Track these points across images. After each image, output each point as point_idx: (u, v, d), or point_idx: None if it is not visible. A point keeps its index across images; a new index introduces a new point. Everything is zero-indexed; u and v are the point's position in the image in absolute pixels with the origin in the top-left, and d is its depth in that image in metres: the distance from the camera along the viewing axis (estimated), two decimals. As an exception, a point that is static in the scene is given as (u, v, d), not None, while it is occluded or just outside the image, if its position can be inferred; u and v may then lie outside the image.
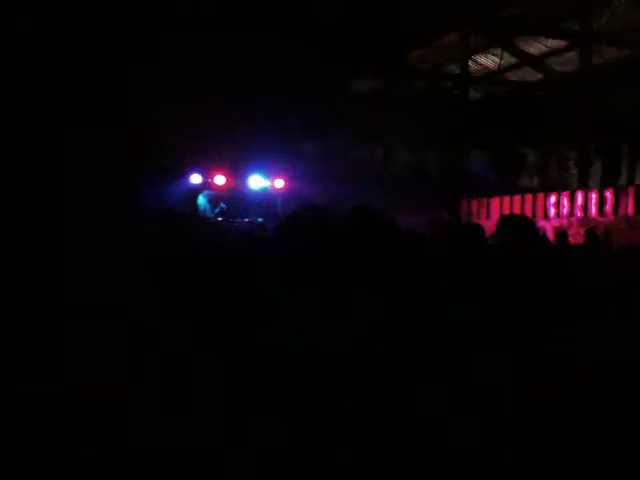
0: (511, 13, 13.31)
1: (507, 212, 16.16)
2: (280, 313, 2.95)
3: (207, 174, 15.69)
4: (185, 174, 15.39)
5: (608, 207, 14.46)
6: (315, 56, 11.63)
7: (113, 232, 3.77)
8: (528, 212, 15.90)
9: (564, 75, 14.86)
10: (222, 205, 15.57)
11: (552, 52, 15.16)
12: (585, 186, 15.12)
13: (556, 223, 15.22)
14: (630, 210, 14.00)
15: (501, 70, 15.57)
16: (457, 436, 2.69)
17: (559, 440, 2.59)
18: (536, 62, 14.95)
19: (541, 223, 15.32)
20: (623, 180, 15.40)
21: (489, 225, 9.68)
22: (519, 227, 3.85)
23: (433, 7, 11.15)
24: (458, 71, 15.56)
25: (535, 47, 14.96)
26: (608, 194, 14.48)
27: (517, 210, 16.14)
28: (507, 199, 16.61)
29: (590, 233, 10.48)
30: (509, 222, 3.95)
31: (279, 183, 16.21)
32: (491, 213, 16.99)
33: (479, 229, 5.57)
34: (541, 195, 15.99)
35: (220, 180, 15.80)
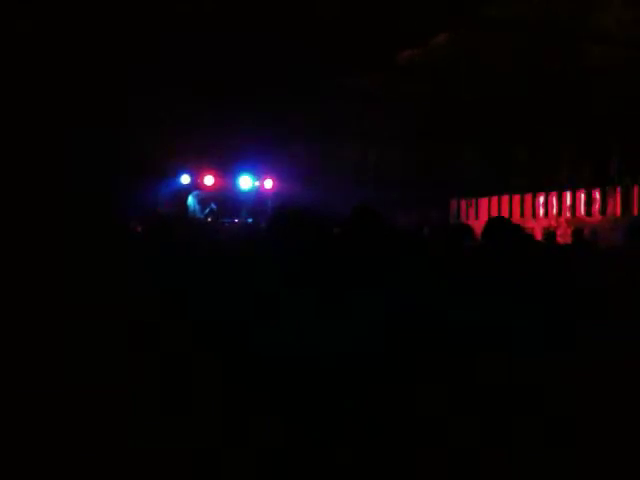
0: (501, 12, 13.36)
1: (496, 212, 16.24)
2: (279, 313, 2.95)
3: (196, 175, 15.65)
4: (174, 174, 15.35)
5: (596, 207, 14.56)
6: (309, 55, 11.63)
7: (107, 233, 3.77)
8: (516, 212, 15.97)
9: (554, 72, 14.93)
10: (212, 206, 15.54)
11: (543, 49, 15.22)
12: (574, 186, 15.20)
13: (545, 223, 15.29)
14: (617, 210, 14.10)
15: (492, 67, 15.60)
16: (457, 436, 2.70)
17: (559, 440, 2.61)
18: (526, 59, 15.01)
19: (530, 223, 15.40)
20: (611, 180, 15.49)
21: (478, 225, 9.71)
22: (504, 229, 3.89)
23: (429, 6, 11.19)
24: (450, 69, 15.58)
25: (525, 43, 15.00)
26: (596, 194, 14.57)
27: (505, 210, 16.21)
28: (495, 199, 16.68)
29: (577, 233, 10.56)
30: (495, 224, 4.00)
31: (268, 183, 16.20)
32: (480, 213, 17.06)
33: (468, 229, 5.60)
34: (529, 195, 16.06)
35: (209, 180, 15.76)
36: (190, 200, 15.72)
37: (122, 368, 2.96)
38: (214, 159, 15.64)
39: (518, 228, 4.04)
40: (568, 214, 15.11)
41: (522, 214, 15.81)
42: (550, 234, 10.89)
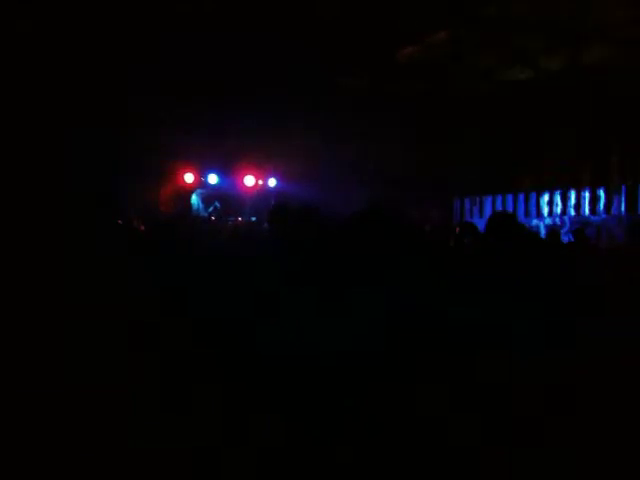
0: (502, 10, 13.32)
1: (500, 211, 16.19)
2: (280, 311, 2.95)
3: (200, 173, 15.66)
4: (178, 173, 15.36)
5: (600, 206, 14.52)
6: (309, 55, 11.62)
7: (109, 232, 3.76)
8: (521, 211, 15.93)
9: (556, 71, 14.88)
10: (216, 204, 15.54)
11: (546, 50, 15.19)
12: (578, 184, 15.16)
13: (549, 222, 15.25)
14: (623, 209, 14.05)
15: (492, 66, 15.56)
16: (457, 435, 2.69)
17: (559, 439, 2.60)
18: (528, 58, 14.96)
19: (534, 222, 15.37)
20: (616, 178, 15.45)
21: (482, 224, 9.67)
22: (506, 225, 3.88)
23: (429, 5, 11.17)
24: (452, 69, 15.56)
25: (527, 43, 14.96)
26: (600, 193, 14.53)
27: (510, 208, 16.16)
28: (500, 198, 16.64)
29: (578, 233, 10.53)
30: (497, 221, 3.98)
31: (272, 182, 16.20)
32: (484, 211, 17.02)
33: (473, 227, 5.58)
34: (534, 194, 16.02)
35: (213, 179, 15.77)
36: (194, 199, 15.73)
37: (122, 367, 2.96)
38: (218, 157, 15.64)
39: (521, 226, 4.02)
40: (572, 212, 15.07)
41: (526, 213, 15.77)
42: (553, 232, 10.85)
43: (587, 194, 14.79)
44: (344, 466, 2.70)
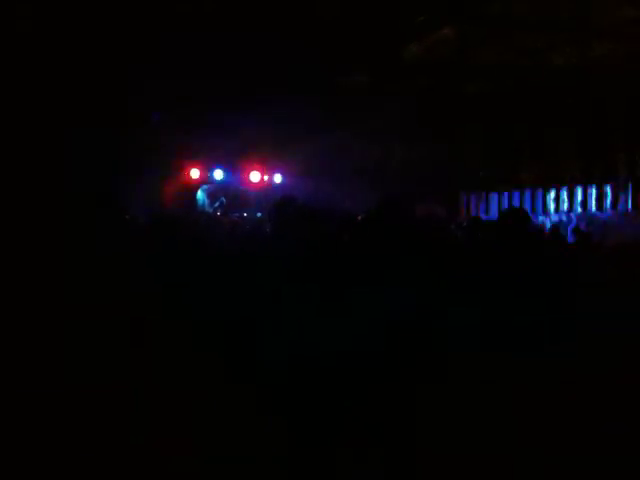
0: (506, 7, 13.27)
1: (506, 207, 16.15)
2: (281, 311, 2.94)
3: (206, 169, 15.65)
4: (183, 169, 15.36)
5: (607, 202, 14.46)
6: (310, 53, 11.59)
7: (112, 230, 3.76)
8: (527, 207, 15.88)
9: (561, 67, 14.82)
10: (222, 199, 15.53)
11: (550, 46, 15.12)
12: (585, 181, 15.10)
13: (555, 218, 15.20)
14: (629, 205, 14.00)
15: (497, 62, 15.49)
16: (457, 435, 2.69)
17: (560, 439, 2.59)
18: (532, 54, 14.90)
19: (540, 218, 15.32)
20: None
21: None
22: (519, 222, 3.83)
23: (432, 2, 11.14)
24: (455, 65, 15.51)
25: (531, 39, 14.90)
26: (607, 189, 14.47)
27: (516, 205, 16.12)
28: (506, 194, 16.60)
29: (576, 231, 10.50)
30: (510, 217, 3.93)
31: (278, 178, 16.19)
32: (490, 208, 16.98)
33: (481, 223, 5.55)
34: (540, 190, 15.96)
35: (219, 175, 15.76)
36: (199, 194, 15.73)
37: (123, 366, 2.96)
38: (223, 153, 15.63)
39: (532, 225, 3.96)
40: (579, 209, 15.02)
41: (533, 209, 15.72)
42: (554, 230, 10.81)
43: (594, 191, 14.74)
44: (344, 466, 2.70)
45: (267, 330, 2.92)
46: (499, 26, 12.86)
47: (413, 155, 16.21)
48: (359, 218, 4.06)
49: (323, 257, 3.18)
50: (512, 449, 2.62)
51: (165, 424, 2.83)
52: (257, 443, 2.76)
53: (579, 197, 15.05)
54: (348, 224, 4.02)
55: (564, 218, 15.17)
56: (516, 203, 16.22)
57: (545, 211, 15.67)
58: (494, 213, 16.28)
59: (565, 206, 15.36)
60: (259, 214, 14.93)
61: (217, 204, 15.65)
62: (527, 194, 16.14)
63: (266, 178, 16.11)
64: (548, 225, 14.75)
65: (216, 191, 15.88)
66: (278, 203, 3.73)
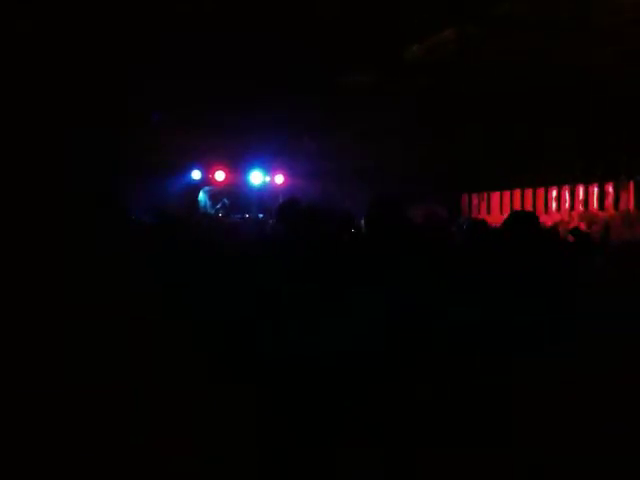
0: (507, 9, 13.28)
1: (507, 206, 16.16)
2: (281, 311, 2.95)
3: (207, 170, 15.67)
4: (185, 170, 15.38)
5: (609, 201, 14.46)
6: (311, 54, 11.61)
7: (112, 231, 3.77)
8: (529, 206, 15.88)
9: (562, 66, 14.82)
10: (225, 201, 15.54)
11: (549, 43, 15.13)
12: (587, 180, 15.09)
13: (557, 217, 15.20)
14: (631, 205, 13.99)
15: (496, 61, 15.49)
16: (457, 435, 2.69)
17: (560, 439, 2.59)
18: (532, 54, 14.91)
19: (542, 218, 15.31)
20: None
21: (490, 220, 9.61)
22: (528, 225, 3.81)
23: (435, 2, 11.15)
24: (456, 65, 15.51)
25: (531, 39, 14.90)
26: (609, 188, 14.47)
27: (517, 204, 16.13)
28: (508, 193, 16.60)
29: (575, 232, 10.48)
30: (517, 218, 3.91)
31: (279, 178, 16.20)
32: (492, 207, 16.98)
33: (484, 225, 5.55)
34: (542, 189, 15.96)
35: (220, 176, 15.78)
36: (201, 196, 15.74)
37: (123, 366, 2.97)
38: (225, 154, 15.65)
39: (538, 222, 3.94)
40: (581, 208, 15.02)
41: (534, 208, 15.71)
42: (553, 229, 10.80)
43: (595, 190, 14.73)
44: (344, 466, 2.70)
45: (267, 330, 2.92)
46: (499, 26, 12.86)
47: (413, 155, 16.21)
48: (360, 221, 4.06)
49: (323, 257, 3.18)
50: (512, 449, 2.62)
51: (165, 424, 2.83)
52: (257, 443, 2.76)
53: (581, 196, 15.05)
54: (348, 224, 4.03)
55: (565, 217, 15.18)
56: (517, 202, 16.23)
57: (547, 210, 15.67)
58: (496, 213, 16.30)
59: (567, 205, 15.37)
60: (261, 215, 14.94)
61: (219, 205, 15.65)
62: (529, 193, 16.15)
63: (267, 179, 16.12)
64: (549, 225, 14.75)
65: (217, 193, 15.89)
66: (283, 204, 3.74)
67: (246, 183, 15.98)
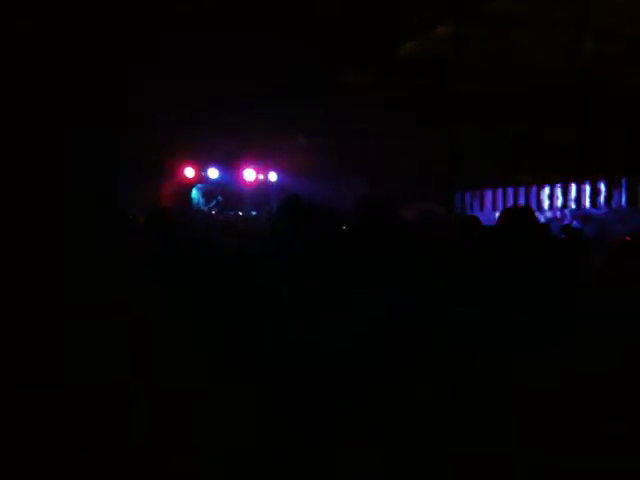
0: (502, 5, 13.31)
1: (501, 204, 16.22)
2: (281, 311, 2.94)
3: (200, 168, 15.65)
4: (178, 168, 15.35)
5: (601, 199, 14.51)
6: (309, 52, 11.62)
7: (112, 230, 3.76)
8: (522, 204, 15.92)
9: (556, 65, 14.87)
10: (219, 198, 15.52)
11: (544, 42, 15.19)
12: (580, 177, 15.14)
13: (550, 215, 15.25)
14: (623, 202, 14.05)
15: (492, 59, 15.54)
16: (457, 435, 2.69)
17: (560, 439, 2.60)
18: (527, 52, 14.95)
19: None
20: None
21: (483, 217, 9.63)
22: (522, 220, 3.80)
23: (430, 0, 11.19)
24: (451, 63, 15.56)
25: (526, 37, 14.97)
26: (601, 186, 14.51)
27: (510, 202, 16.17)
28: (501, 191, 16.64)
29: (567, 229, 10.52)
30: (513, 213, 3.90)
31: (272, 176, 16.19)
32: (485, 205, 17.02)
33: (477, 221, 5.55)
34: (534, 187, 16.01)
35: (213, 173, 15.76)
36: (194, 193, 15.71)
37: (123, 366, 2.96)
38: (218, 152, 15.63)
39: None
40: (573, 206, 15.06)
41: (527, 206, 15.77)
42: (545, 228, 10.79)
43: (588, 187, 14.78)
44: (344, 466, 2.70)
45: (267, 330, 2.92)
46: (495, 25, 12.91)
47: (408, 153, 16.23)
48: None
49: (323, 257, 3.18)
50: (512, 449, 2.63)
51: (165, 424, 2.83)
52: (257, 443, 2.76)
53: (573, 194, 15.09)
54: (341, 223, 4.02)
55: (558, 215, 15.22)
56: (510, 200, 16.27)
57: (540, 208, 15.71)
58: (489, 210, 16.34)
59: (559, 203, 15.41)
60: (254, 212, 14.93)
61: (214, 203, 15.63)
62: (521, 191, 16.19)
63: (261, 177, 16.11)
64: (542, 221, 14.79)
65: (211, 190, 15.86)
66: (286, 201, 3.72)
67: (239, 180, 15.96)
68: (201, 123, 14.13)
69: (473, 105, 14.92)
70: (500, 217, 3.77)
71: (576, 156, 15.59)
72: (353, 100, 14.51)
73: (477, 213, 15.66)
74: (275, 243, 3.50)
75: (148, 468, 2.76)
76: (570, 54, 13.98)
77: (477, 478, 2.58)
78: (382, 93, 14.52)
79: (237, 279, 3.17)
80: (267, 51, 11.18)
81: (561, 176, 15.52)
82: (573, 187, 15.16)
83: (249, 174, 15.95)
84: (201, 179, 15.75)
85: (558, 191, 15.50)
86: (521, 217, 3.74)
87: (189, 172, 15.50)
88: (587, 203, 14.81)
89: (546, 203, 15.70)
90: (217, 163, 15.74)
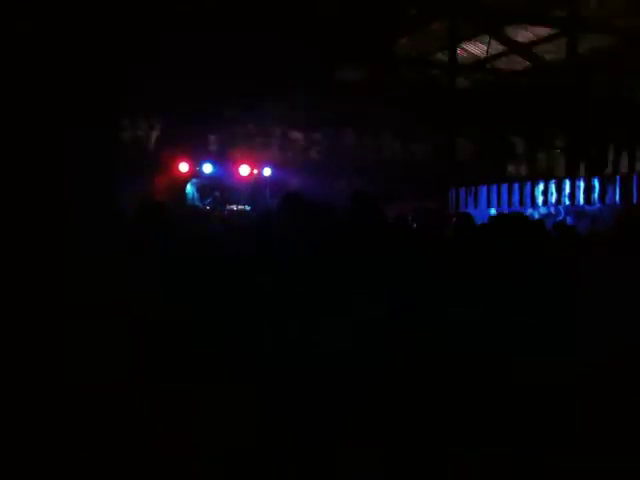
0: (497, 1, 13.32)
1: (496, 200, 16.24)
2: (280, 311, 2.95)
3: (195, 163, 15.63)
4: (172, 163, 15.32)
5: (595, 195, 14.54)
6: (308, 50, 11.61)
7: (111, 230, 3.75)
8: (516, 200, 15.96)
9: (552, 63, 14.88)
10: (215, 194, 15.51)
11: (540, 40, 15.21)
12: (573, 174, 15.17)
13: (544, 211, 15.28)
14: (617, 199, 14.09)
15: (489, 58, 15.56)
16: (457, 435, 2.70)
17: (560, 439, 2.61)
18: (524, 50, 14.96)
19: (529, 211, 15.39)
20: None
21: (477, 214, 9.63)
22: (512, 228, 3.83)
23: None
24: (446, 59, 15.56)
25: (522, 35, 14.98)
26: (595, 182, 14.55)
27: (504, 198, 16.20)
28: (495, 188, 16.65)
29: (559, 226, 10.54)
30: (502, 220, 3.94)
31: (267, 171, 16.19)
32: (479, 201, 17.04)
33: (469, 218, 5.57)
34: (529, 183, 16.03)
35: (208, 168, 15.74)
36: (189, 188, 15.69)
37: (123, 366, 2.96)
38: (212, 147, 15.62)
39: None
40: (567, 202, 15.09)
41: (521, 202, 15.78)
42: (539, 224, 10.81)
43: (582, 183, 14.81)
44: (344, 466, 2.71)
45: (267, 330, 2.92)
46: (491, 20, 12.91)
47: (402, 149, 16.25)
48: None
49: (323, 257, 3.18)
50: (512, 449, 2.64)
51: (165, 424, 2.83)
52: (257, 443, 2.77)
53: (567, 190, 15.12)
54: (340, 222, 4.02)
55: (552, 211, 15.25)
56: (504, 196, 16.30)
57: (533, 204, 15.73)
58: (483, 207, 16.36)
59: (553, 199, 15.44)
60: (248, 207, 14.93)
61: (210, 199, 15.62)
62: (515, 187, 16.21)
63: (255, 171, 16.11)
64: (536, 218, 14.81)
65: (205, 185, 15.85)
66: (287, 198, 3.71)
67: (234, 175, 15.95)
68: (196, 118, 14.11)
69: (468, 102, 14.94)
70: (489, 222, 3.81)
71: (570, 152, 15.62)
72: (348, 97, 14.51)
73: (471, 210, 15.68)
74: (276, 243, 3.50)
75: (148, 468, 2.76)
76: (565, 51, 14.01)
77: (477, 478, 2.59)
78: (377, 90, 14.54)
79: (238, 280, 3.17)
80: (264, 48, 11.17)
81: (555, 172, 15.57)
82: (567, 183, 15.19)
83: (243, 169, 15.95)
84: (195, 174, 15.74)
85: (552, 187, 15.52)
86: (509, 225, 3.78)
87: (183, 167, 15.47)
88: (581, 199, 14.85)
89: (540, 199, 15.73)
90: (211, 158, 15.73)
